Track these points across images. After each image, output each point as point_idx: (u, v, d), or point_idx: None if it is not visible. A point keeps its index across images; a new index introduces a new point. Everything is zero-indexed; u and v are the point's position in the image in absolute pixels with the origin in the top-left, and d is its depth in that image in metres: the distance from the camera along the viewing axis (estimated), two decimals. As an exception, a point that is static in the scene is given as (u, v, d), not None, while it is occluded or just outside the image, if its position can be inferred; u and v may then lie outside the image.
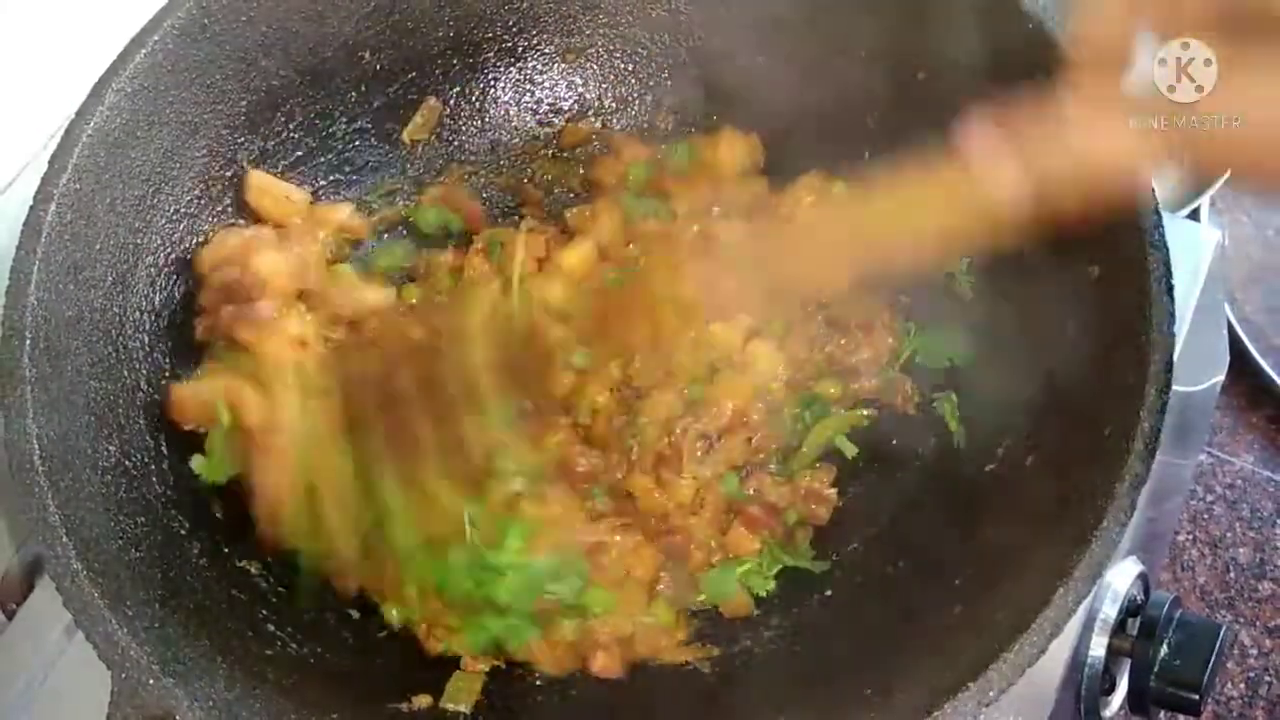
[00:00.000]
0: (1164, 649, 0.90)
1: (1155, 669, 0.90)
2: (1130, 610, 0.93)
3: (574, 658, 0.87)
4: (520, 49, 1.09)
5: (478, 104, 1.09)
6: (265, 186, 0.98)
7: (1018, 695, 0.68)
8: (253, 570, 0.88)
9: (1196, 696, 0.90)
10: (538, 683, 0.87)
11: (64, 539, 0.72)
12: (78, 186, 0.82)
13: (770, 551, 0.92)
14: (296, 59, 0.97)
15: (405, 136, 1.07)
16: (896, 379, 0.96)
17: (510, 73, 1.10)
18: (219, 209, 0.97)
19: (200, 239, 0.95)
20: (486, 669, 0.87)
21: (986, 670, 0.67)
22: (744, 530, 0.91)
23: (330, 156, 1.04)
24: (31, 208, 0.80)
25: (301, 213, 0.99)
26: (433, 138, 1.08)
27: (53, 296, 0.80)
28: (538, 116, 1.11)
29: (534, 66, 1.10)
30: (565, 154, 1.11)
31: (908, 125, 0.94)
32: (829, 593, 0.90)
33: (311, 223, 0.99)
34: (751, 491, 0.92)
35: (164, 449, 0.88)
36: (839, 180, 1.00)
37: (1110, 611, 0.91)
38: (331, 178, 1.04)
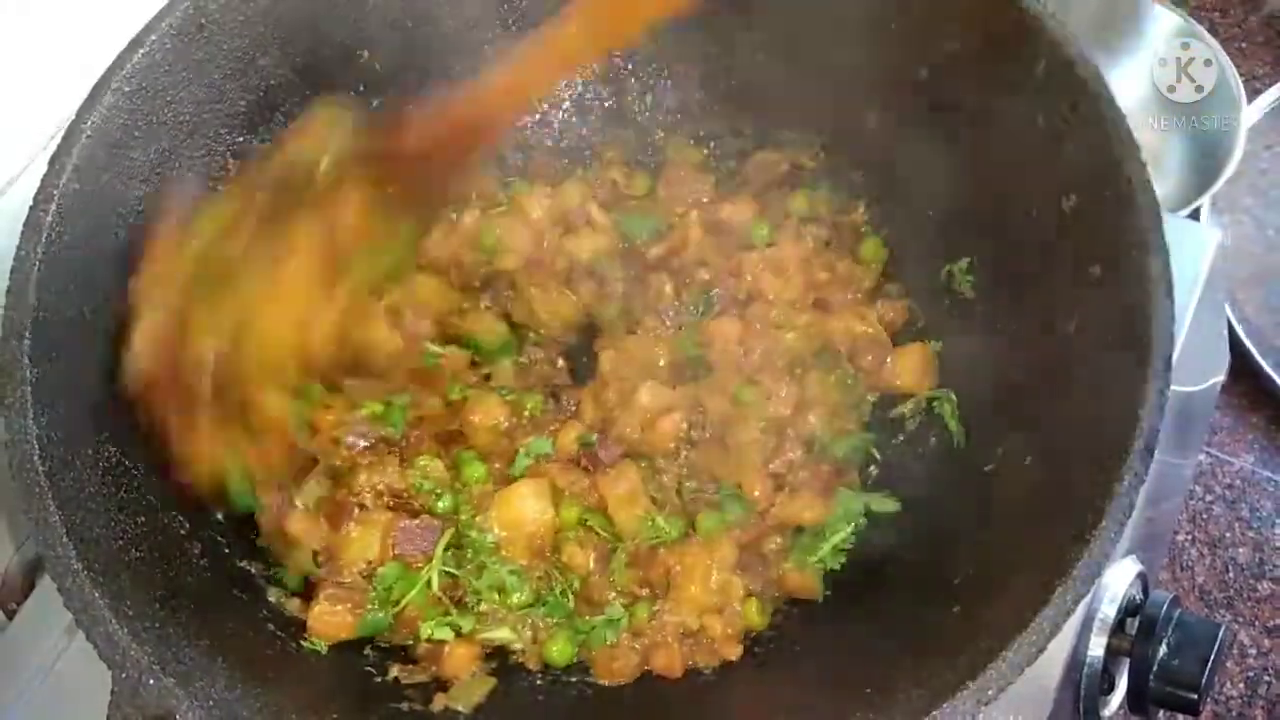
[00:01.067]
0: (1163, 649, 0.90)
1: (1154, 669, 0.90)
2: (1129, 610, 0.93)
3: (635, 665, 0.86)
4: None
5: (477, 103, 1.09)
6: None
7: (1017, 695, 0.68)
8: (253, 570, 0.88)
9: (1195, 696, 0.90)
10: (538, 681, 0.87)
11: (64, 539, 0.72)
12: (77, 186, 0.82)
13: None
14: (295, 58, 0.97)
15: (405, 136, 1.07)
16: None
17: (510, 72, 1.09)
18: (219, 209, 0.97)
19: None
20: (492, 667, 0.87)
21: (985, 670, 0.67)
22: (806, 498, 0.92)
23: (330, 156, 1.04)
24: (32, 208, 0.80)
25: None
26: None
27: (53, 296, 0.80)
28: (536, 116, 1.11)
29: (534, 66, 1.10)
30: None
31: (908, 121, 0.95)
32: (829, 592, 0.90)
33: None
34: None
35: (163, 449, 0.88)
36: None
37: (1109, 611, 0.91)
38: (331, 177, 1.04)
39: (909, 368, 0.96)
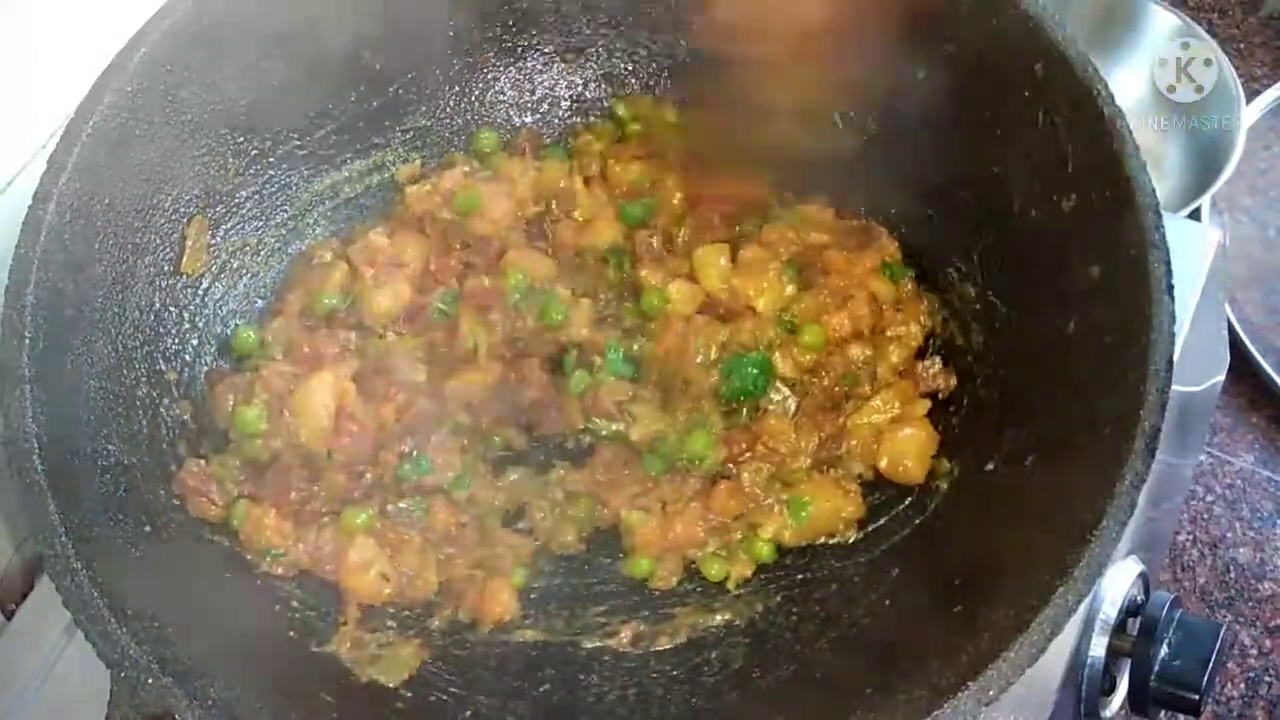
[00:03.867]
0: (1164, 649, 0.90)
1: (1155, 669, 0.90)
2: (1130, 610, 0.93)
3: None
4: (520, 49, 1.09)
5: (477, 103, 1.09)
6: None
7: (1018, 695, 0.68)
8: (252, 569, 0.88)
9: (1196, 697, 0.90)
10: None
11: (63, 538, 0.72)
12: (77, 186, 0.82)
13: None
14: (296, 58, 0.97)
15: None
16: None
17: (510, 72, 1.10)
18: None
19: (200, 238, 0.95)
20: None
21: (986, 670, 0.67)
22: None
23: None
24: (31, 207, 0.80)
25: None
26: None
27: (52, 296, 0.80)
28: (537, 116, 1.11)
29: (533, 66, 1.10)
30: (564, 154, 1.11)
31: (907, 122, 0.95)
32: (829, 593, 0.90)
33: None
34: None
35: (164, 448, 0.88)
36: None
37: (1110, 611, 0.91)
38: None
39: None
